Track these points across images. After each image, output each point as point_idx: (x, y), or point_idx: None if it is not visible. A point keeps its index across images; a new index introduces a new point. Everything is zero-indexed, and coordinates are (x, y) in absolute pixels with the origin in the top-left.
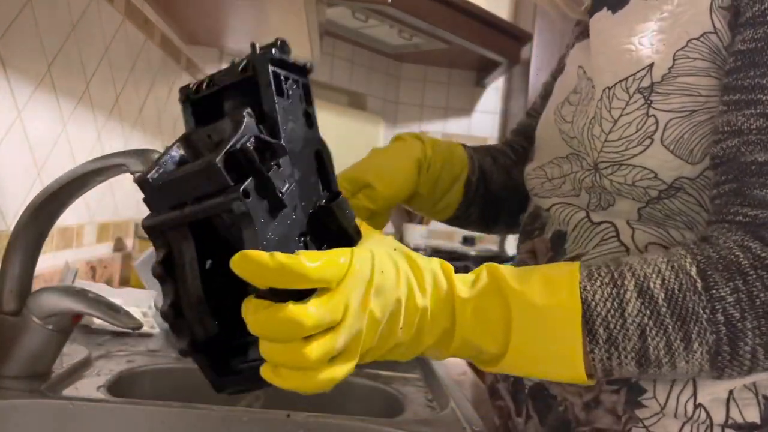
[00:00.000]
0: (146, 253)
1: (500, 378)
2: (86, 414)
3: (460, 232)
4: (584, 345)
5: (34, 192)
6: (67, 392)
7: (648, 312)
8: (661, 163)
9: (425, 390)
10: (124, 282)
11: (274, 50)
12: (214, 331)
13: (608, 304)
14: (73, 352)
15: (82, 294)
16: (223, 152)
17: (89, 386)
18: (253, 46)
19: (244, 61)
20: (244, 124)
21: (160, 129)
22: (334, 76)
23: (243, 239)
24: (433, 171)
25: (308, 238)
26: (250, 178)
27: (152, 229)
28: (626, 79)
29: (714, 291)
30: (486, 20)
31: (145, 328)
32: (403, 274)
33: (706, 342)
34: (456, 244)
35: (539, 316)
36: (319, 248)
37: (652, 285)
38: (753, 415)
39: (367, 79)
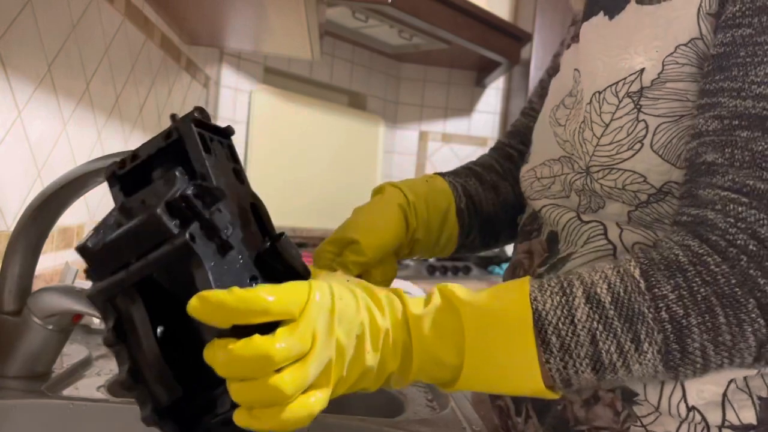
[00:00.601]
0: None
1: None
2: (86, 414)
3: None
4: (539, 355)
5: (34, 192)
6: (67, 392)
7: (596, 316)
8: (651, 168)
9: (425, 390)
10: None
11: (196, 113)
12: (177, 393)
13: (558, 312)
14: (73, 352)
15: (82, 294)
16: (163, 202)
17: (89, 386)
18: (173, 116)
19: (168, 129)
20: (177, 178)
21: (160, 129)
22: (334, 76)
23: (195, 284)
24: (421, 213)
25: (258, 281)
26: (195, 222)
27: (99, 298)
28: (617, 83)
29: (656, 290)
30: (486, 20)
31: None
32: (362, 300)
33: (654, 342)
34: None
35: (491, 323)
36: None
37: (599, 290)
38: (749, 417)
39: (367, 79)
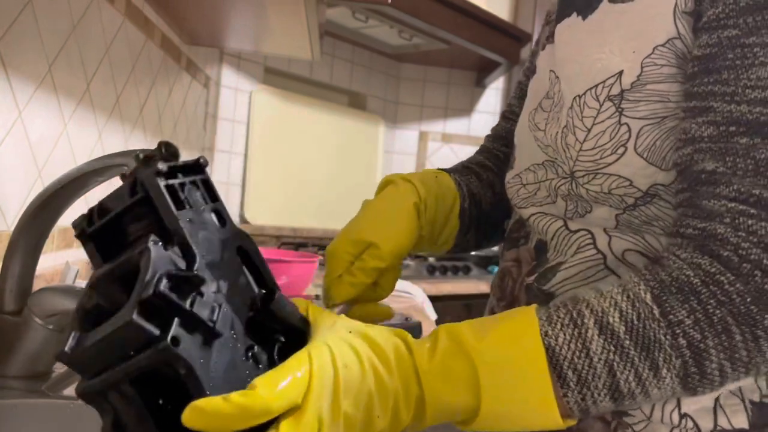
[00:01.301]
0: None
1: None
2: (86, 414)
3: None
4: (556, 390)
5: (34, 192)
6: (67, 392)
7: (612, 347)
8: (636, 171)
9: None
10: None
11: (159, 163)
12: None
13: (572, 346)
14: None
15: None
16: (137, 303)
17: None
18: (137, 157)
19: (132, 180)
20: (150, 259)
21: (160, 129)
22: (334, 76)
23: (187, 387)
24: (430, 211)
25: (255, 350)
26: (176, 320)
27: (87, 398)
28: (596, 86)
29: (671, 316)
30: (486, 20)
31: None
32: (367, 360)
33: (673, 366)
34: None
35: (505, 369)
36: (269, 351)
37: (611, 319)
38: (741, 421)
39: (367, 79)
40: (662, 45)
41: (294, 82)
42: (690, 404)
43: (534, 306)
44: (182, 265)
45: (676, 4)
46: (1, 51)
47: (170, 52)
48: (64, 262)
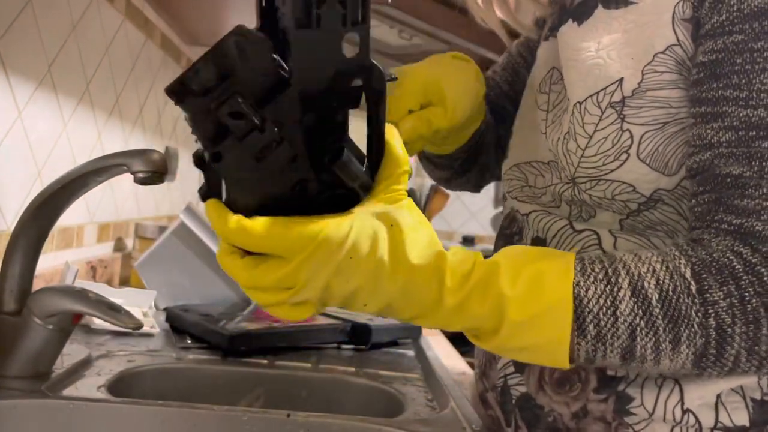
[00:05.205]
0: (146, 253)
1: (488, 387)
2: (86, 414)
3: (460, 232)
4: (571, 338)
5: (34, 192)
6: (67, 392)
7: (640, 312)
8: (639, 177)
9: (425, 390)
10: (124, 282)
11: None
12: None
13: (601, 302)
14: (73, 352)
15: (82, 294)
16: (195, 108)
17: (89, 386)
18: None
19: None
20: (233, 79)
21: (160, 129)
22: None
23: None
24: (478, 103)
25: (308, 185)
26: (228, 139)
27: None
28: (597, 93)
29: (708, 295)
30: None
31: (145, 328)
32: (376, 258)
33: (693, 344)
34: (456, 244)
35: (529, 322)
36: (323, 194)
37: (646, 285)
38: (742, 419)
39: None
40: (662, 52)
41: None
42: (693, 399)
43: (572, 254)
44: (270, 81)
45: (674, 11)
46: (0, 51)
47: (170, 52)
48: (63, 262)
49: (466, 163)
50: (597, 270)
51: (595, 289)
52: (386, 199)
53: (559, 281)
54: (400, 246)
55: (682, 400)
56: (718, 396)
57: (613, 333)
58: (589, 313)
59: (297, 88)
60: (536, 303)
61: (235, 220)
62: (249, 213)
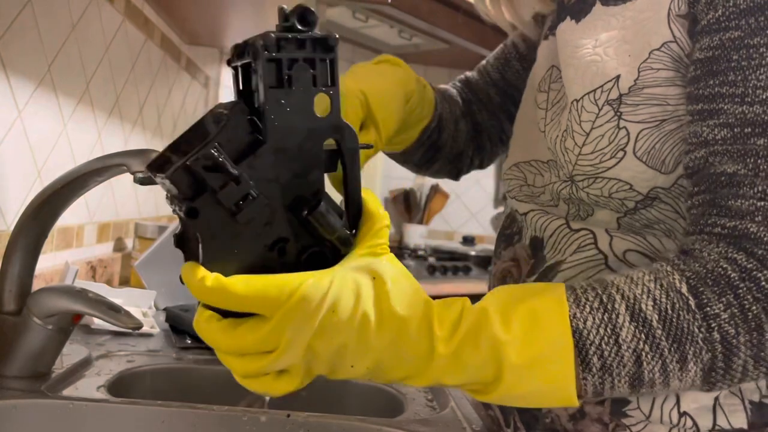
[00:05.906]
0: (146, 253)
1: None
2: (86, 414)
3: (460, 232)
4: (577, 373)
5: (34, 192)
6: (67, 392)
7: (643, 336)
8: (635, 175)
9: (425, 390)
10: (124, 282)
11: (272, 35)
12: None
13: (601, 331)
14: (73, 352)
15: (82, 294)
16: (173, 168)
17: (89, 386)
18: (280, 9)
19: (242, 47)
20: (210, 136)
21: (160, 129)
22: None
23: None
24: (410, 106)
25: (287, 245)
26: (202, 196)
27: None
28: (594, 91)
29: (708, 308)
30: (486, 20)
31: (145, 328)
32: (359, 312)
33: (701, 360)
34: (456, 244)
35: (531, 364)
36: (303, 253)
37: (644, 306)
38: (740, 421)
39: None
40: (658, 49)
41: None
42: (690, 402)
43: (563, 285)
44: (246, 141)
45: (669, 8)
46: (0, 51)
47: (170, 51)
48: (63, 262)
49: (426, 156)
50: (591, 298)
51: (593, 319)
52: (368, 253)
53: (554, 317)
54: (384, 297)
55: (678, 403)
56: (716, 398)
57: (619, 362)
58: (591, 345)
59: (272, 145)
60: (535, 343)
61: (213, 278)
62: (227, 274)
